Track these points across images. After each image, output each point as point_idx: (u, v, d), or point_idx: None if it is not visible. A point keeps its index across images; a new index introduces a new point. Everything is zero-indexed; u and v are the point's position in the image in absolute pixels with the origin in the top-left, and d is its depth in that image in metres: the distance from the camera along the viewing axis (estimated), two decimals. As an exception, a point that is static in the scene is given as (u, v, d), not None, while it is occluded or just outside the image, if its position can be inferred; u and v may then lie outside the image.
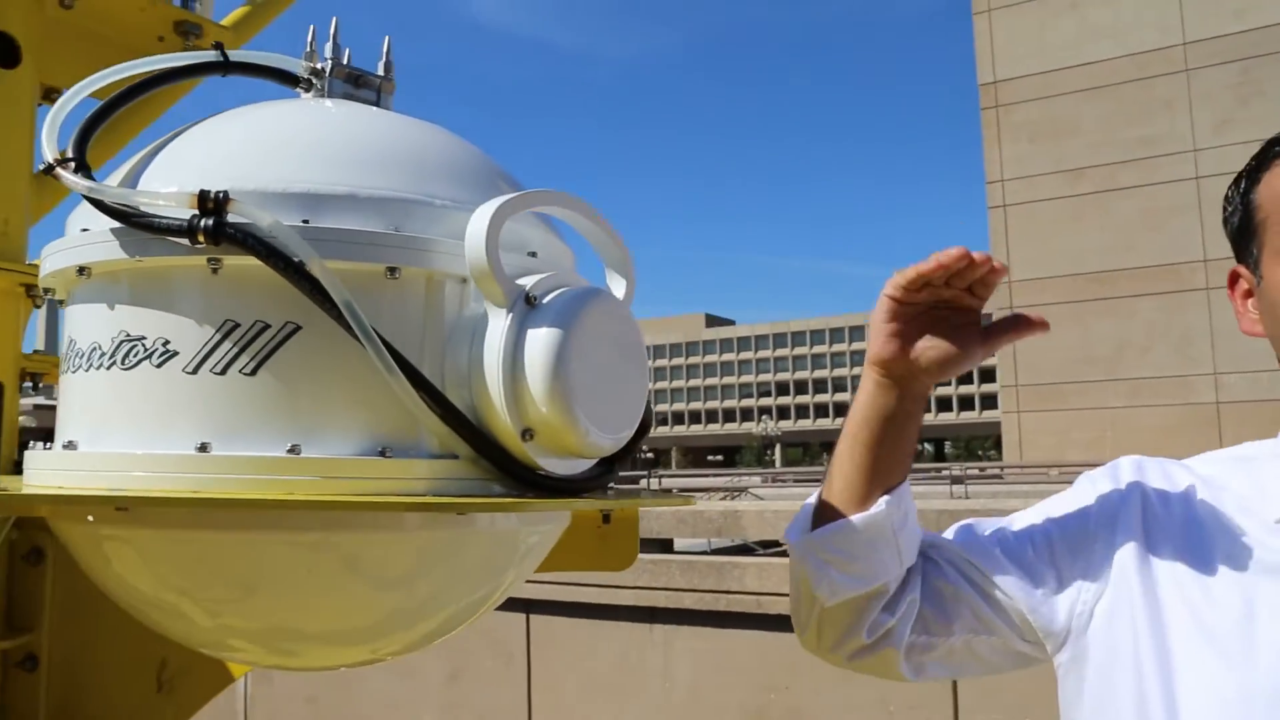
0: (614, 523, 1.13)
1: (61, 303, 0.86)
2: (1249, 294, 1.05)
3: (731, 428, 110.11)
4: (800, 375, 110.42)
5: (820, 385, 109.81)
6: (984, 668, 1.14)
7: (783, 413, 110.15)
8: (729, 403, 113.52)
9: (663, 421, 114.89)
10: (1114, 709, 1.01)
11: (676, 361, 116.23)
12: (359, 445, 0.75)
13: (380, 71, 0.95)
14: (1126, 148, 17.32)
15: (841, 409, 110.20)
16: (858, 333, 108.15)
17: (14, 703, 1.32)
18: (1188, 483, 1.09)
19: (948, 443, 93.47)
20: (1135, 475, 1.11)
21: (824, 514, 1.05)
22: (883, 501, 1.03)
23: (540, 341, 0.74)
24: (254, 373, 0.74)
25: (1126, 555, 1.04)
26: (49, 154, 0.80)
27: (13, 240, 1.34)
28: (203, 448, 0.73)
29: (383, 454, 0.75)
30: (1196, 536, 1.03)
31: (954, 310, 0.97)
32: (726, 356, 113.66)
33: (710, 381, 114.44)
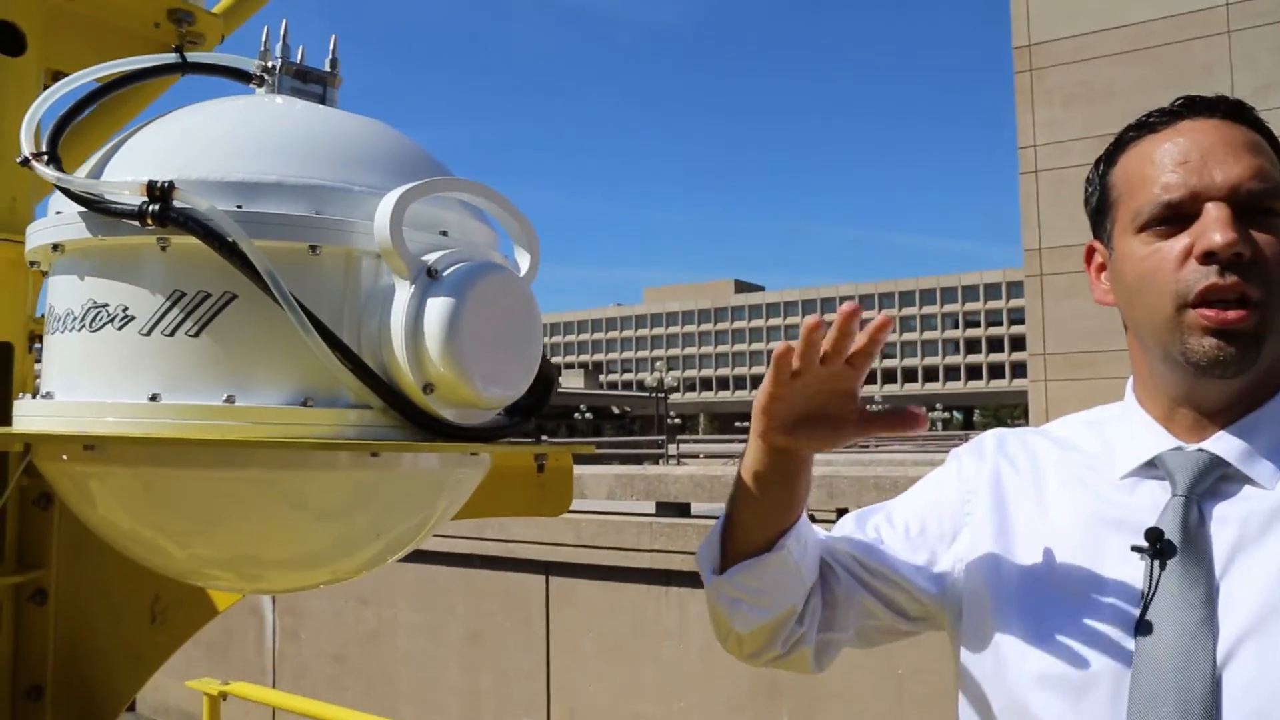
0: (548, 471, 1.26)
1: (44, 274, 0.99)
2: (1103, 267, 1.16)
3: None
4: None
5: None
6: (870, 646, 1.30)
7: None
8: (758, 369, 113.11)
9: (690, 387, 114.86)
10: (979, 658, 1.15)
11: (705, 327, 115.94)
12: (285, 396, 0.89)
13: (326, 68, 1.08)
14: (1163, 113, 16.99)
15: (870, 377, 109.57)
16: (888, 300, 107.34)
17: (27, 631, 1.46)
18: (1043, 448, 1.21)
19: (977, 411, 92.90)
20: (996, 447, 1.24)
21: (731, 554, 1.17)
22: (783, 542, 1.15)
23: (437, 309, 0.88)
24: (197, 335, 0.88)
25: (986, 522, 1.18)
26: (26, 148, 0.94)
27: (20, 215, 1.48)
28: (154, 397, 0.88)
29: (305, 404, 0.89)
30: (1048, 497, 1.16)
31: (832, 396, 1.04)
32: (755, 322, 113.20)
33: (739, 347, 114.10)
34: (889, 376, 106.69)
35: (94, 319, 0.90)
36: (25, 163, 0.93)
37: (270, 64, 1.04)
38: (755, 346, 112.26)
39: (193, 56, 1.05)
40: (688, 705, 7.69)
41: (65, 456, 0.92)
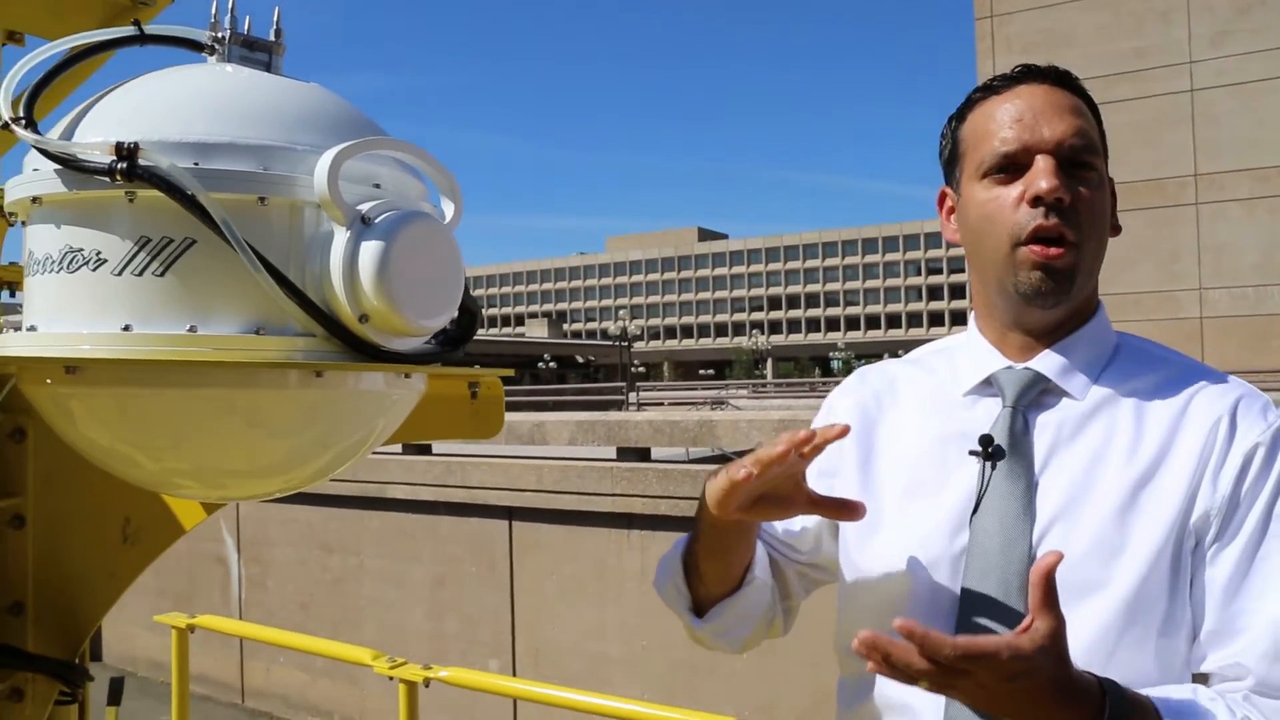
0: (480, 399, 1.42)
1: (23, 224, 1.13)
2: (952, 210, 1.32)
3: (723, 342, 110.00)
4: (793, 289, 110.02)
5: (812, 300, 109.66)
6: (812, 591, 1.48)
7: (774, 327, 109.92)
8: (721, 317, 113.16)
9: (654, 336, 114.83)
10: (850, 566, 1.31)
11: (668, 275, 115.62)
12: (241, 326, 1.04)
13: (271, 37, 1.21)
14: (1121, 60, 16.91)
15: (833, 324, 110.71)
16: (851, 247, 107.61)
17: (7, 553, 1.59)
18: (901, 374, 1.38)
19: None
20: (858, 383, 1.41)
21: (704, 596, 1.33)
22: (751, 575, 1.32)
23: (370, 251, 1.03)
24: (163, 274, 1.03)
25: (852, 453, 1.32)
26: (4, 113, 1.07)
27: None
28: (126, 328, 1.02)
29: (258, 333, 1.04)
30: (904, 418, 1.33)
31: (782, 480, 1.15)
32: (719, 271, 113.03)
33: (702, 296, 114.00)
34: (852, 324, 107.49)
35: (70, 262, 1.04)
36: (5, 127, 1.07)
37: (220, 34, 1.18)
38: (719, 295, 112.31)
39: (150, 29, 1.18)
40: (650, 645, 7.89)
41: (50, 380, 1.06)
